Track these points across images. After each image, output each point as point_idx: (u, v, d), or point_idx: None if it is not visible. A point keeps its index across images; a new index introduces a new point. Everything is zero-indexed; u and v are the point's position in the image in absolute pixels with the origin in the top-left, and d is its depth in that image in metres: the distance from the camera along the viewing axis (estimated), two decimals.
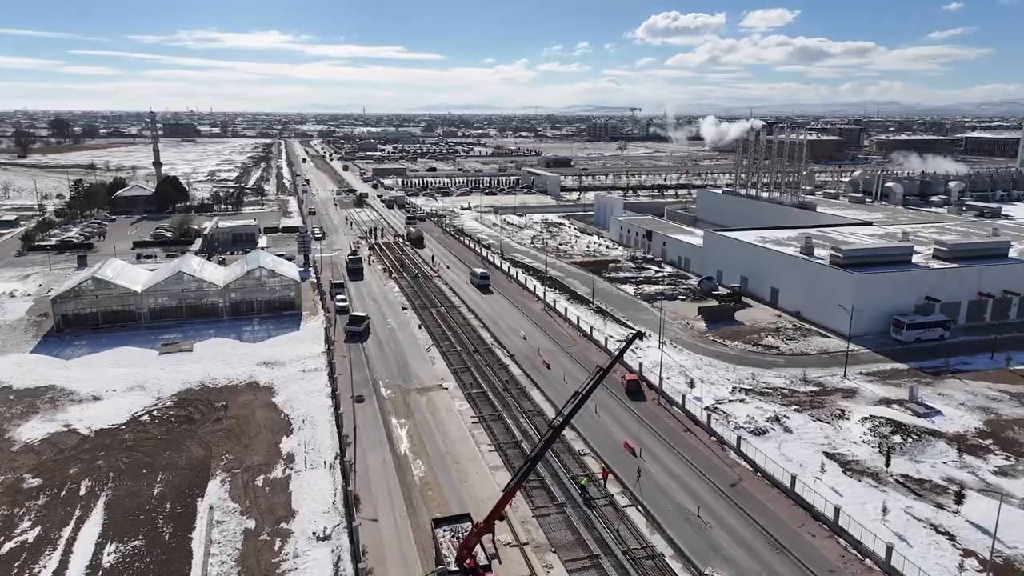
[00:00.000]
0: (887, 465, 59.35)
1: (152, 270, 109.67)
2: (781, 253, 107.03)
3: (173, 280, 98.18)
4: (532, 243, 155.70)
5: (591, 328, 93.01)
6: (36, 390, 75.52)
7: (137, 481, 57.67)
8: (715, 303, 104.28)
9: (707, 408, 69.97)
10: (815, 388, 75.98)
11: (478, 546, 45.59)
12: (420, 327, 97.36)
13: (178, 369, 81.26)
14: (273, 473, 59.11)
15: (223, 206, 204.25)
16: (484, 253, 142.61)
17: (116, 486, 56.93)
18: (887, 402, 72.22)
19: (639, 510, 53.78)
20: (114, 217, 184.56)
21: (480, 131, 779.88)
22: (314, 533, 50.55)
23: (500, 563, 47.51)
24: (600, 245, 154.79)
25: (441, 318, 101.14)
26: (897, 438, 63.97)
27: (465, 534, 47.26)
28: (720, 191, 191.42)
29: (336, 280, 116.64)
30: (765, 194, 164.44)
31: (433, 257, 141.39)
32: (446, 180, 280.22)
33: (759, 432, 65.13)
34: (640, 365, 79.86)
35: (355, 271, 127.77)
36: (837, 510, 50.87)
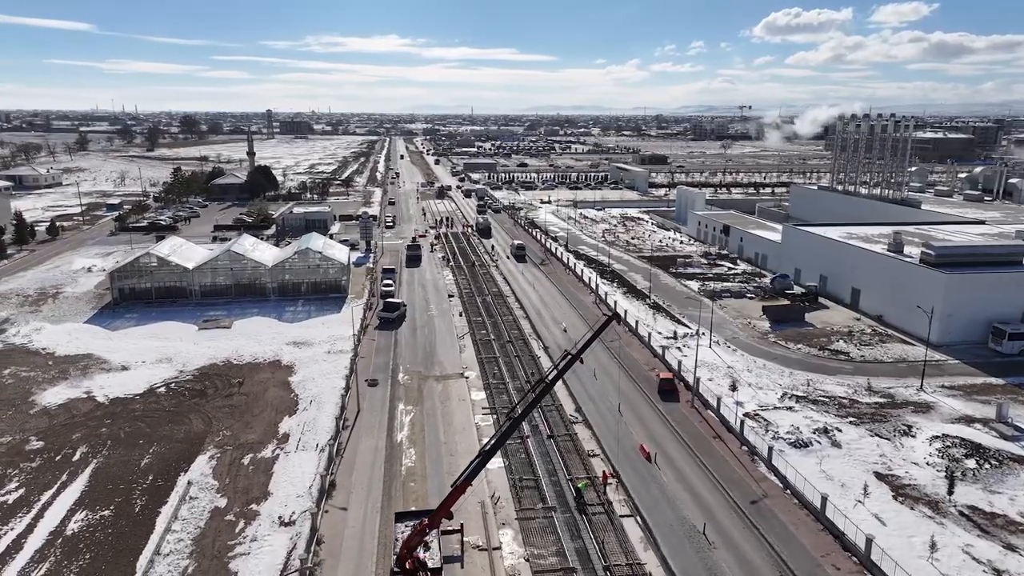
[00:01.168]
0: (950, 493, 49.73)
1: (211, 250, 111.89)
2: (865, 250, 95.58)
3: (223, 258, 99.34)
4: (603, 236, 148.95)
5: (636, 323, 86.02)
6: (74, 357, 77.44)
7: (130, 451, 56.91)
8: (785, 302, 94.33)
9: (746, 414, 62.04)
10: (881, 400, 66.07)
11: (434, 546, 41.10)
12: (461, 315, 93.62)
13: (210, 344, 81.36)
14: (263, 452, 56.84)
15: (309, 195, 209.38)
16: (549, 244, 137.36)
17: (109, 455, 56.36)
18: (968, 420, 61.54)
19: (638, 522, 47.34)
20: (206, 203, 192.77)
21: (583, 130, 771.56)
22: (280, 518, 47.56)
23: (462, 567, 42.73)
24: (675, 240, 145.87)
25: (485, 307, 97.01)
26: (971, 463, 53.86)
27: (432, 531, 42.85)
28: (815, 187, 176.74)
29: (389, 266, 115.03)
30: (864, 190, 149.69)
31: (493, 247, 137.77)
32: (534, 175, 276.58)
33: (800, 444, 56.68)
34: (679, 364, 72.44)
35: (413, 258, 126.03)
36: (869, 541, 42.45)
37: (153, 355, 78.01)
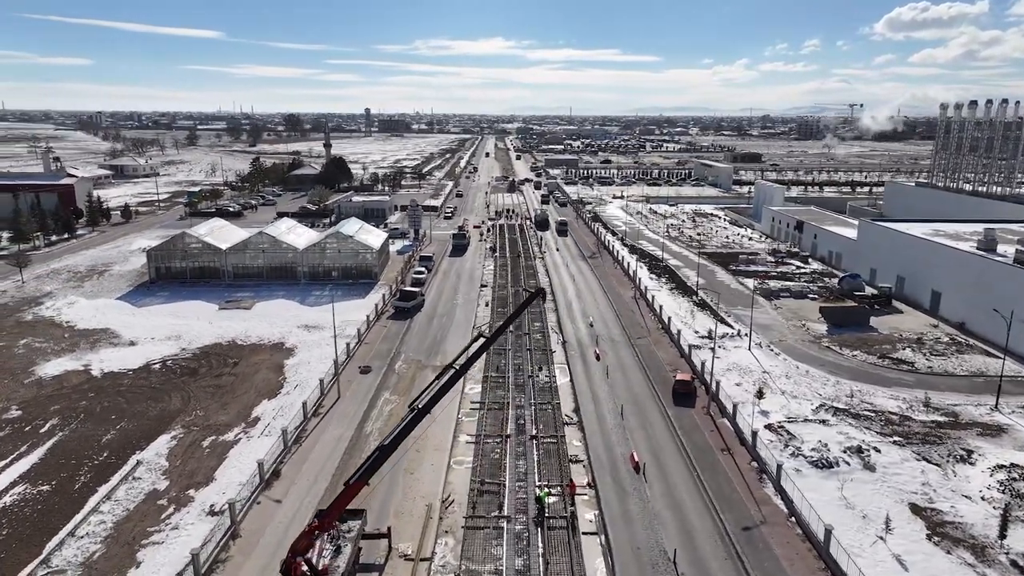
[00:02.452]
0: (1002, 536, 39.81)
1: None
2: (949, 248, 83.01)
3: (255, 240, 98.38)
4: (667, 232, 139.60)
5: (668, 319, 77.79)
6: (90, 331, 77.67)
7: (98, 426, 55.03)
8: (849, 304, 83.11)
9: (768, 426, 53.37)
10: (941, 418, 55.50)
11: (346, 550, 35.96)
12: (487, 305, 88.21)
13: (223, 324, 79.83)
14: (226, 435, 53.59)
15: (381, 186, 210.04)
16: (606, 238, 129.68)
17: (76, 428, 54.70)
18: None
19: (601, 541, 40.33)
20: (280, 193, 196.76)
21: (680, 130, 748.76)
22: (211, 506, 43.80)
23: None
24: (744, 237, 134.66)
25: (515, 298, 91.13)
26: None
27: (350, 533, 37.79)
28: (913, 183, 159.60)
29: (427, 254, 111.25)
30: (968, 187, 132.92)
31: (542, 239, 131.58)
32: (614, 171, 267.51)
33: (824, 464, 47.68)
34: (703, 364, 63.99)
35: (458, 247, 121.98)
36: None
37: (165, 332, 77.13)
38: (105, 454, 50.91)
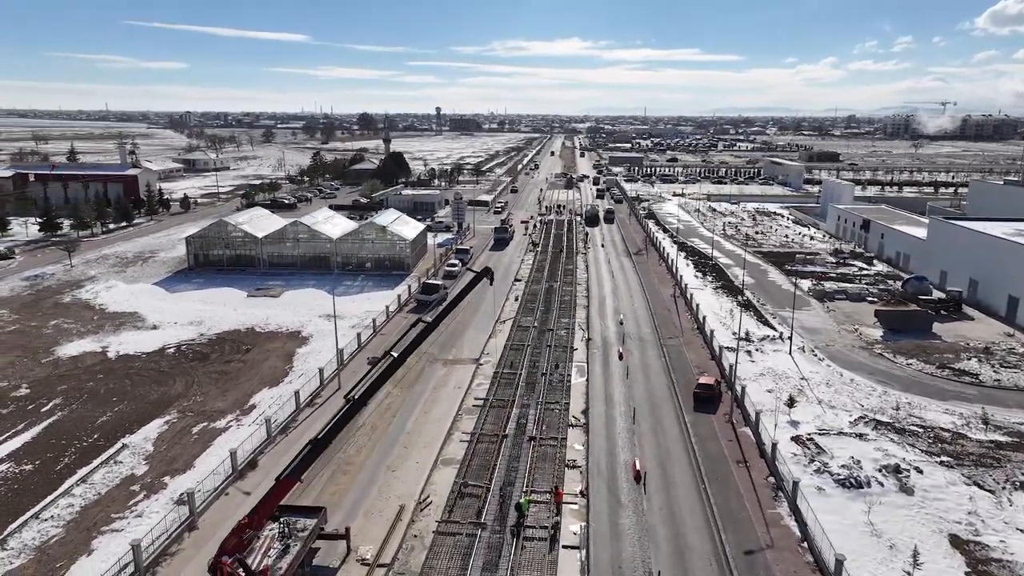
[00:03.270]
0: None
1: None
2: None
3: (289, 229, 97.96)
4: (723, 230, 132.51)
5: (704, 319, 72.25)
6: (119, 315, 78.36)
7: (96, 408, 54.46)
8: (910, 308, 75.35)
9: (796, 437, 47.82)
10: (1003, 437, 48.55)
11: (294, 550, 33.21)
12: (516, 300, 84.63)
13: (247, 311, 79.21)
14: (218, 422, 52.04)
15: (438, 181, 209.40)
16: (657, 236, 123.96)
17: (74, 409, 54.29)
18: None
19: (580, 557, 36.19)
20: (339, 186, 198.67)
21: (757, 129, 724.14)
22: (180, 495, 41.95)
23: None
24: (805, 236, 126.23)
25: (547, 292, 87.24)
26: None
27: (303, 532, 35.08)
28: (1001, 182, 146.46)
29: (463, 246, 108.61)
30: None
31: (587, 234, 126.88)
32: (679, 169, 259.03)
33: (852, 484, 41.98)
34: (730, 368, 58.44)
35: (500, 241, 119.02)
36: None
37: (188, 317, 77.02)
38: (96, 436, 50.07)
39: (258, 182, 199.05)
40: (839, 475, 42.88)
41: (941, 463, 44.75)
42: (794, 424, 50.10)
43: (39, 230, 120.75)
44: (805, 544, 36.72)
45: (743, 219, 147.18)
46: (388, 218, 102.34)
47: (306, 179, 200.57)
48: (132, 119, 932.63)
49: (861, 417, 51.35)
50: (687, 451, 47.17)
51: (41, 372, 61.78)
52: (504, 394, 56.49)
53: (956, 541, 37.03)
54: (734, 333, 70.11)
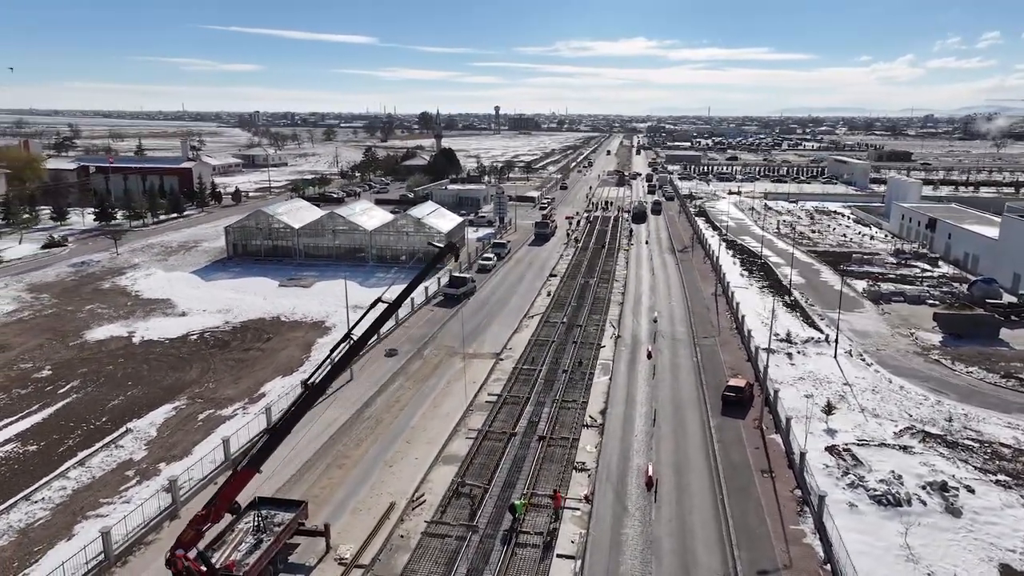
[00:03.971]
0: None
1: None
2: None
3: (325, 220, 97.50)
4: (777, 228, 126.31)
5: (742, 318, 67.79)
6: (152, 301, 78.97)
7: (111, 391, 54.25)
8: (978, 312, 69.07)
9: (832, 447, 43.55)
10: None
11: (264, 545, 31.38)
12: (548, 295, 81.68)
13: (276, 301, 78.72)
14: (224, 410, 51.03)
15: (487, 177, 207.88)
16: (706, 233, 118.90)
17: (88, 391, 54.19)
18: None
19: (574, 569, 33.18)
20: (390, 181, 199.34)
21: (825, 129, 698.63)
22: (170, 482, 40.79)
23: None
24: (866, 236, 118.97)
25: (581, 288, 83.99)
26: None
27: (277, 527, 33.26)
28: None
29: (500, 241, 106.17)
30: None
31: (631, 231, 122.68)
32: (738, 168, 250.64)
33: (890, 501, 37.62)
34: (765, 370, 54.10)
35: (541, 236, 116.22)
36: None
37: (218, 305, 76.98)
38: (104, 419, 49.64)
39: (310, 177, 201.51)
40: (876, 491, 38.53)
41: (997, 482, 39.85)
42: (830, 433, 45.75)
43: (94, 219, 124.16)
44: (828, 566, 32.77)
45: (800, 218, 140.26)
46: (424, 210, 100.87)
47: (357, 175, 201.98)
48: (206, 119, 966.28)
49: (908, 428, 46.56)
50: (707, 458, 43.47)
51: (66, 355, 62.26)
52: (520, 391, 53.75)
53: (1008, 572, 32.48)
54: (776, 334, 65.56)
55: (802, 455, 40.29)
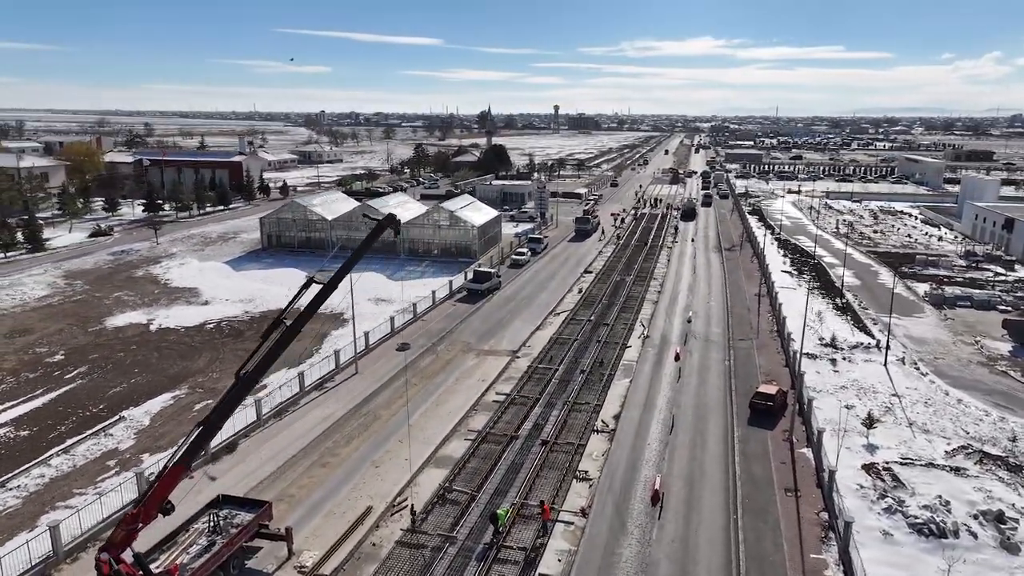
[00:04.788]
0: None
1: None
2: None
3: (357, 212, 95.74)
4: (836, 228, 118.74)
5: (784, 319, 62.40)
6: (179, 290, 78.66)
7: (116, 378, 53.26)
8: None
9: (871, 466, 38.52)
10: None
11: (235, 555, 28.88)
12: (579, 292, 77.78)
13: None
14: None
15: (538, 174, 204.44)
16: (758, 232, 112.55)
17: (93, 378, 53.32)
18: None
19: None
20: (438, 177, 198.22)
21: (902, 130, 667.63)
22: (136, 475, 38.88)
23: None
24: (934, 237, 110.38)
25: (616, 286, 79.74)
26: None
27: (236, 528, 30.76)
28: None
29: (536, 236, 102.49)
30: None
31: (676, 228, 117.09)
32: (801, 167, 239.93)
33: (934, 531, 32.55)
34: (800, 376, 48.96)
35: (581, 232, 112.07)
36: None
37: (242, 295, 76.05)
38: (101, 407, 48.47)
39: (360, 172, 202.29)
40: (917, 518, 33.48)
41: None
42: (870, 449, 40.63)
43: (143, 210, 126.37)
44: None
45: (862, 217, 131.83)
46: (458, 203, 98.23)
47: (407, 171, 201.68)
48: (275, 119, 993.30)
49: (963, 447, 40.99)
50: (725, 472, 39.01)
51: (83, 340, 61.91)
52: (531, 391, 50.21)
53: None
54: (821, 338, 60.09)
55: (831, 473, 35.45)
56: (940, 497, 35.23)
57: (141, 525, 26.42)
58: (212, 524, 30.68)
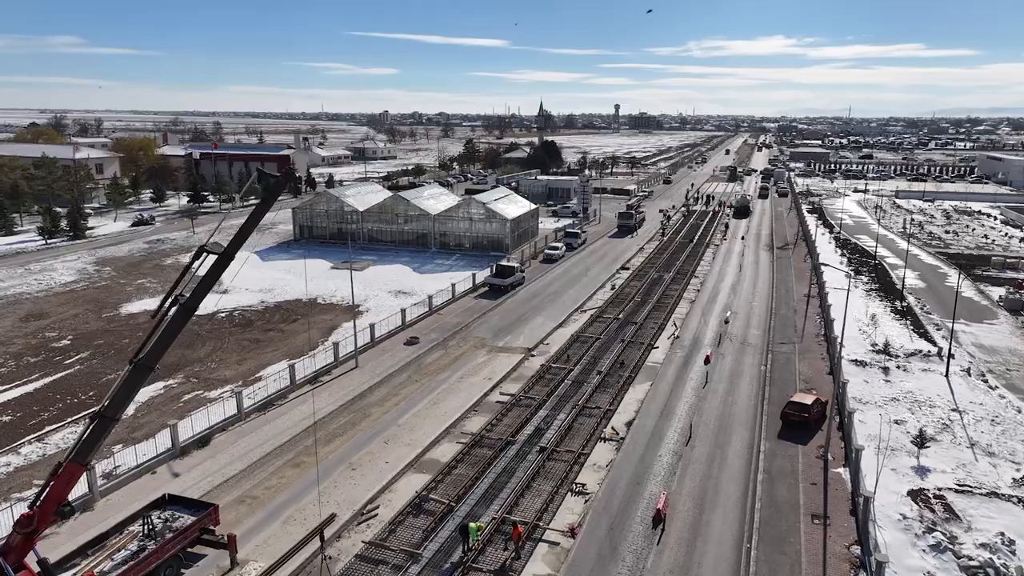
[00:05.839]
0: None
1: None
2: None
3: (388, 202, 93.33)
4: (903, 228, 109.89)
5: (831, 322, 56.12)
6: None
7: (113, 364, 51.47)
8: None
9: (918, 492, 32.82)
10: None
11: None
12: (612, 288, 72.92)
13: (321, 283, 74.86)
14: (212, 392, 46.77)
15: (588, 170, 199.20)
16: (816, 231, 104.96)
17: (93, 364, 51.79)
18: None
19: None
20: (487, 173, 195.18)
21: (986, 129, 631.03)
22: (116, 468, 36.44)
23: None
24: (1014, 238, 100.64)
25: (652, 283, 74.56)
26: None
27: (170, 531, 27.72)
28: None
29: (574, 230, 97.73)
30: None
31: (727, 225, 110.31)
32: (872, 166, 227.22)
33: (990, 574, 26.87)
34: (843, 386, 43.07)
35: (624, 228, 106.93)
36: None
37: (262, 285, 74.25)
38: (91, 393, 46.67)
39: (409, 167, 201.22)
40: (972, 560, 27.82)
41: None
42: (920, 472, 34.81)
43: (188, 201, 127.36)
44: None
45: (933, 217, 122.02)
46: (492, 196, 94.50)
47: (456, 166, 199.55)
48: (341, 119, 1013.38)
49: None
50: (744, 492, 33.90)
51: (93, 326, 60.81)
52: (539, 392, 45.92)
53: None
54: (873, 344, 53.76)
55: (866, 500, 29.98)
56: (1003, 535, 29.39)
57: (41, 528, 23.43)
58: (149, 527, 27.66)
